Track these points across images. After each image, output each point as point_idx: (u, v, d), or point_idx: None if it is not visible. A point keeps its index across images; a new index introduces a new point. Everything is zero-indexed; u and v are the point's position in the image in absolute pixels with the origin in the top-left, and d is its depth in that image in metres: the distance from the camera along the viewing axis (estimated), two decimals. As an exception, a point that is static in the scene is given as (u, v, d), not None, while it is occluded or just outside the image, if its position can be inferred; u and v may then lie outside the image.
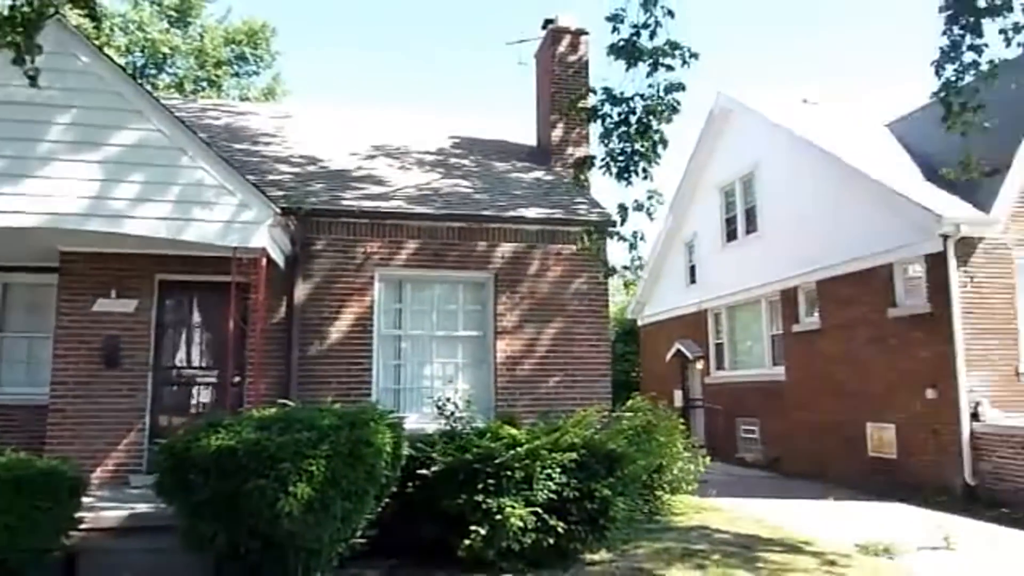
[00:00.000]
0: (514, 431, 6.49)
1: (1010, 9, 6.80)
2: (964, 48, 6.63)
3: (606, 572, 6.58)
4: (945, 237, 11.01)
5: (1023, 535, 8.58)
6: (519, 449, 6.15)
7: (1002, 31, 6.84)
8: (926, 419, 11.26)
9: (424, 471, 6.48)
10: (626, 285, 24.17)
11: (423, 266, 9.70)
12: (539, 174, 11.67)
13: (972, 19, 6.57)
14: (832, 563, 7.13)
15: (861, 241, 12.61)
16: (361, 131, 13.04)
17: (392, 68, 55.71)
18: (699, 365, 17.95)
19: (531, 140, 13.12)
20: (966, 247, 11.17)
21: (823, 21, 52.95)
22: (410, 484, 6.49)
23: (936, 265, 11.24)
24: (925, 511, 9.79)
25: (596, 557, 7.03)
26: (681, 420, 9.95)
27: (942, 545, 7.82)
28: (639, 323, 21.93)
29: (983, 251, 11.27)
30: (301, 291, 9.15)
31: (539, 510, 6.10)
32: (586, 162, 8.64)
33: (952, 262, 11.02)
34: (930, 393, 11.17)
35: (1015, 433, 10.18)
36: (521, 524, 6.01)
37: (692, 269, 18.93)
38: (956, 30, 6.62)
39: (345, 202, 9.64)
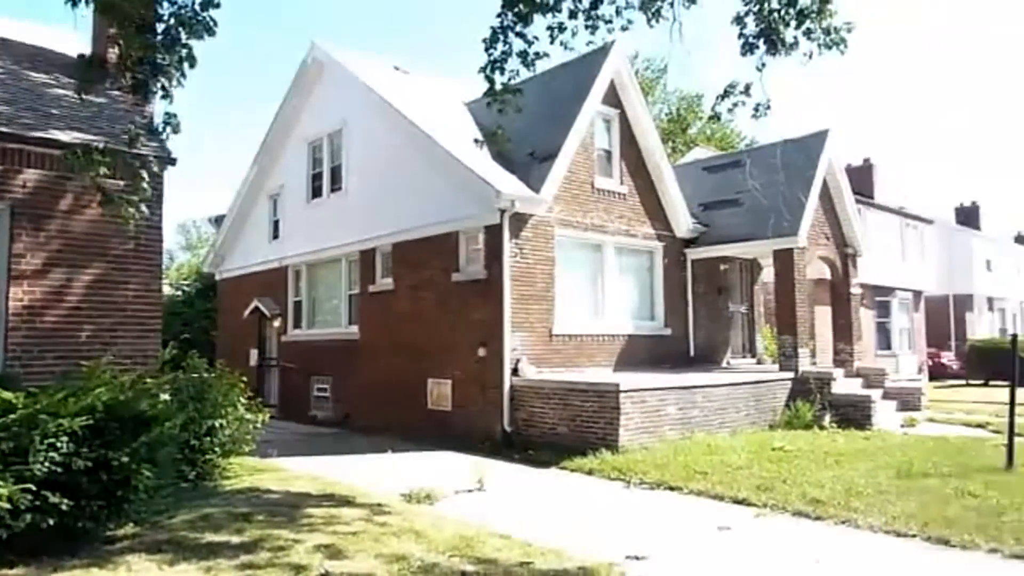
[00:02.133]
0: (7, 395, 5.28)
1: (559, 10, 7.55)
2: (513, 34, 7.15)
3: (129, 549, 5.79)
4: (502, 211, 12.14)
5: (540, 472, 9.91)
6: (10, 416, 5.01)
7: (550, 28, 7.56)
8: (477, 375, 12.39)
9: None
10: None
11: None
12: (91, 95, 9.86)
13: (525, 8, 7.12)
14: (377, 512, 7.30)
15: (435, 208, 13.32)
16: None
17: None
18: (276, 323, 17.41)
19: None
20: (518, 222, 12.48)
21: None
22: None
23: (493, 236, 12.35)
24: (471, 457, 10.70)
25: (120, 533, 6.16)
26: (243, 379, 9.34)
27: (476, 487, 8.59)
28: (217, 277, 20.51)
29: (532, 226, 12.72)
30: None
31: (35, 487, 5.04)
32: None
33: (506, 234, 12.22)
34: (481, 351, 12.30)
35: (543, 386, 11.74)
36: (8, 506, 4.91)
37: (276, 224, 18.24)
38: (510, 15, 7.12)
39: None
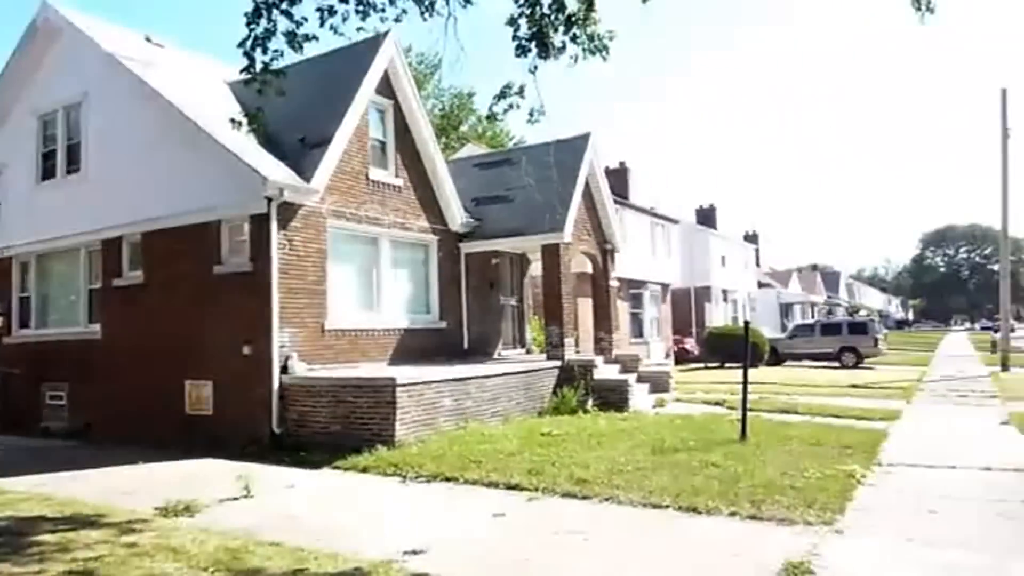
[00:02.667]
0: None
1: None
2: (278, 11, 6.72)
3: None
4: (269, 200, 11.45)
5: (313, 473, 9.49)
6: None
7: (319, 9, 7.18)
8: (242, 374, 11.58)
9: None
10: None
11: None
12: None
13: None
14: (126, 531, 6.54)
15: (194, 195, 12.25)
16: None
17: None
18: (-1, 323, 15.08)
19: None
20: (288, 212, 11.86)
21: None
22: None
23: (260, 226, 11.62)
24: (237, 463, 9.96)
25: None
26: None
27: (243, 494, 8.01)
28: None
29: (302, 217, 12.15)
30: None
31: None
32: None
33: (274, 224, 11.55)
34: (247, 349, 11.53)
35: (315, 383, 11.27)
36: None
37: (-3, 208, 15.75)
38: (276, -9, 6.67)
39: None
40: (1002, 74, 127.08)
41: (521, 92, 7.78)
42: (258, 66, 6.80)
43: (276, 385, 11.33)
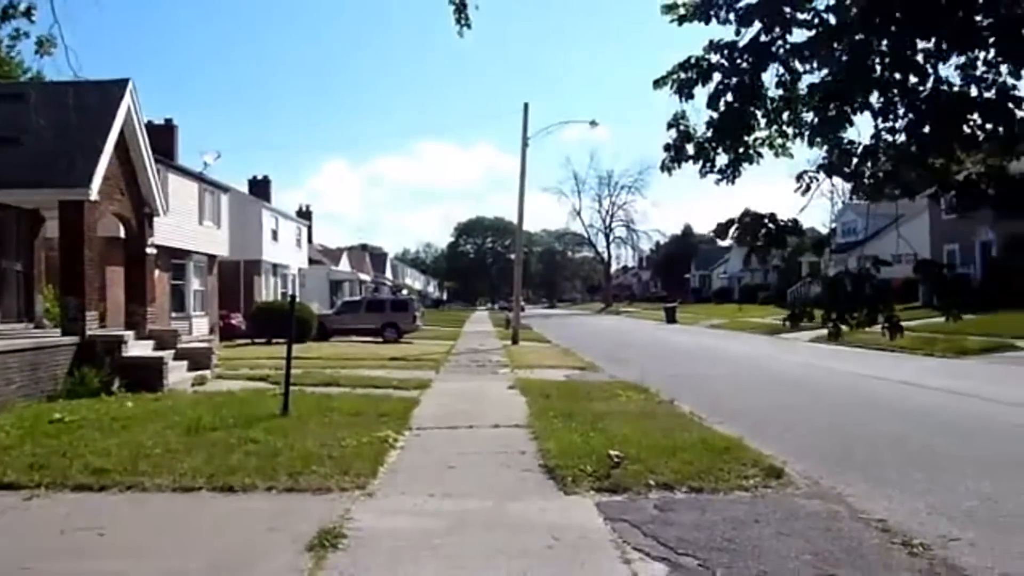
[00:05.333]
0: None
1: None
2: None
3: None
4: None
5: None
6: None
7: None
8: None
9: None
10: None
11: None
12: None
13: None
14: None
15: None
16: None
17: None
18: None
19: None
20: None
21: None
22: None
23: None
24: None
25: None
26: None
27: None
28: None
29: None
30: None
31: None
32: None
33: None
34: None
35: None
36: None
37: None
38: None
39: None
40: (526, 92, 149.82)
41: (29, 15, 6.48)
42: None
43: None
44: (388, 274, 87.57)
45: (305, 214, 54.44)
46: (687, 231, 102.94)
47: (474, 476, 7.30)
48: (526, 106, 31.61)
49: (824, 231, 52.98)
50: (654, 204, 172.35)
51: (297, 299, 11.69)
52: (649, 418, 10.13)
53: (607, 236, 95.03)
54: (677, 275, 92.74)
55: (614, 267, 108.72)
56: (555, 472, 7.16)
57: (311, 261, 49.61)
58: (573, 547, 5.28)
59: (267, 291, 37.47)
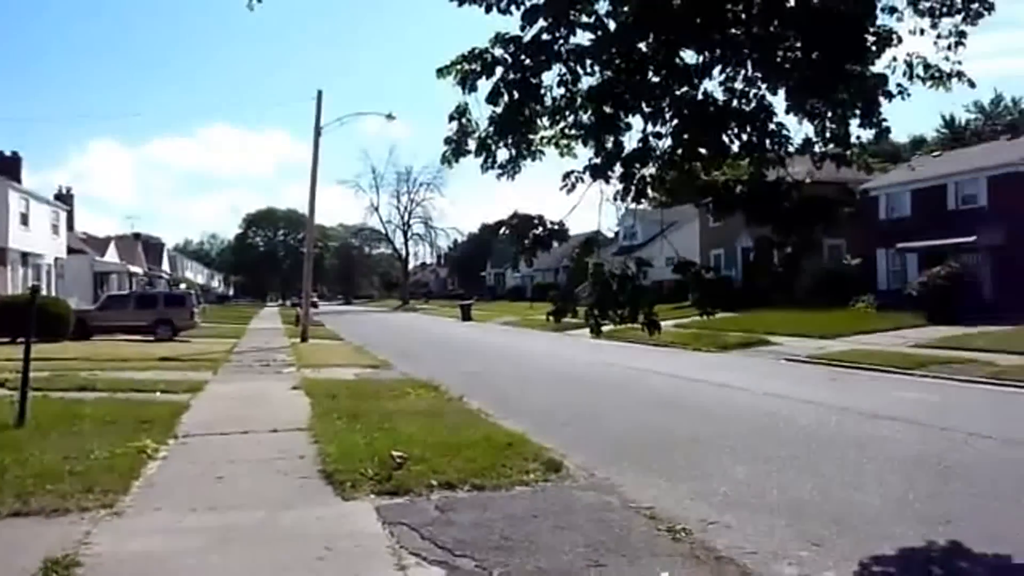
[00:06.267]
0: None
1: None
2: None
3: None
4: None
5: None
6: None
7: None
8: None
9: None
10: None
11: None
12: None
13: None
14: None
15: None
16: None
17: None
18: None
19: None
20: None
21: None
22: None
23: None
24: None
25: None
26: None
27: None
28: None
29: None
30: None
31: None
32: None
33: None
34: None
35: None
36: None
37: None
38: None
39: None
40: (323, 79, 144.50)
41: None
42: None
43: None
44: (165, 266, 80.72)
45: (65, 197, 48.52)
46: (484, 229, 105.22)
47: (245, 486, 6.75)
48: (320, 93, 30.44)
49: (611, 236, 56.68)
50: (452, 202, 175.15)
51: (51, 292, 10.21)
52: (437, 416, 10.01)
53: (405, 233, 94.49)
54: (474, 273, 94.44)
55: (412, 264, 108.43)
56: (334, 477, 6.81)
57: (71, 250, 44.28)
58: (347, 556, 5.00)
59: (14, 283, 32.93)
